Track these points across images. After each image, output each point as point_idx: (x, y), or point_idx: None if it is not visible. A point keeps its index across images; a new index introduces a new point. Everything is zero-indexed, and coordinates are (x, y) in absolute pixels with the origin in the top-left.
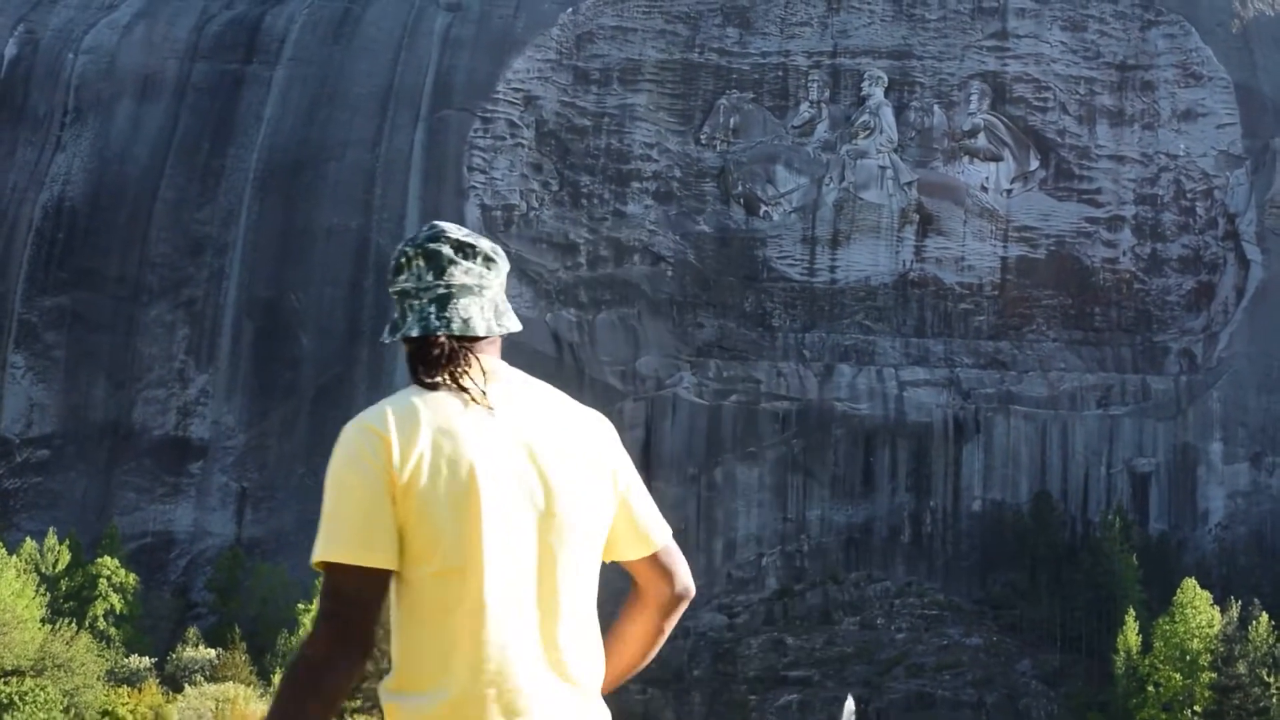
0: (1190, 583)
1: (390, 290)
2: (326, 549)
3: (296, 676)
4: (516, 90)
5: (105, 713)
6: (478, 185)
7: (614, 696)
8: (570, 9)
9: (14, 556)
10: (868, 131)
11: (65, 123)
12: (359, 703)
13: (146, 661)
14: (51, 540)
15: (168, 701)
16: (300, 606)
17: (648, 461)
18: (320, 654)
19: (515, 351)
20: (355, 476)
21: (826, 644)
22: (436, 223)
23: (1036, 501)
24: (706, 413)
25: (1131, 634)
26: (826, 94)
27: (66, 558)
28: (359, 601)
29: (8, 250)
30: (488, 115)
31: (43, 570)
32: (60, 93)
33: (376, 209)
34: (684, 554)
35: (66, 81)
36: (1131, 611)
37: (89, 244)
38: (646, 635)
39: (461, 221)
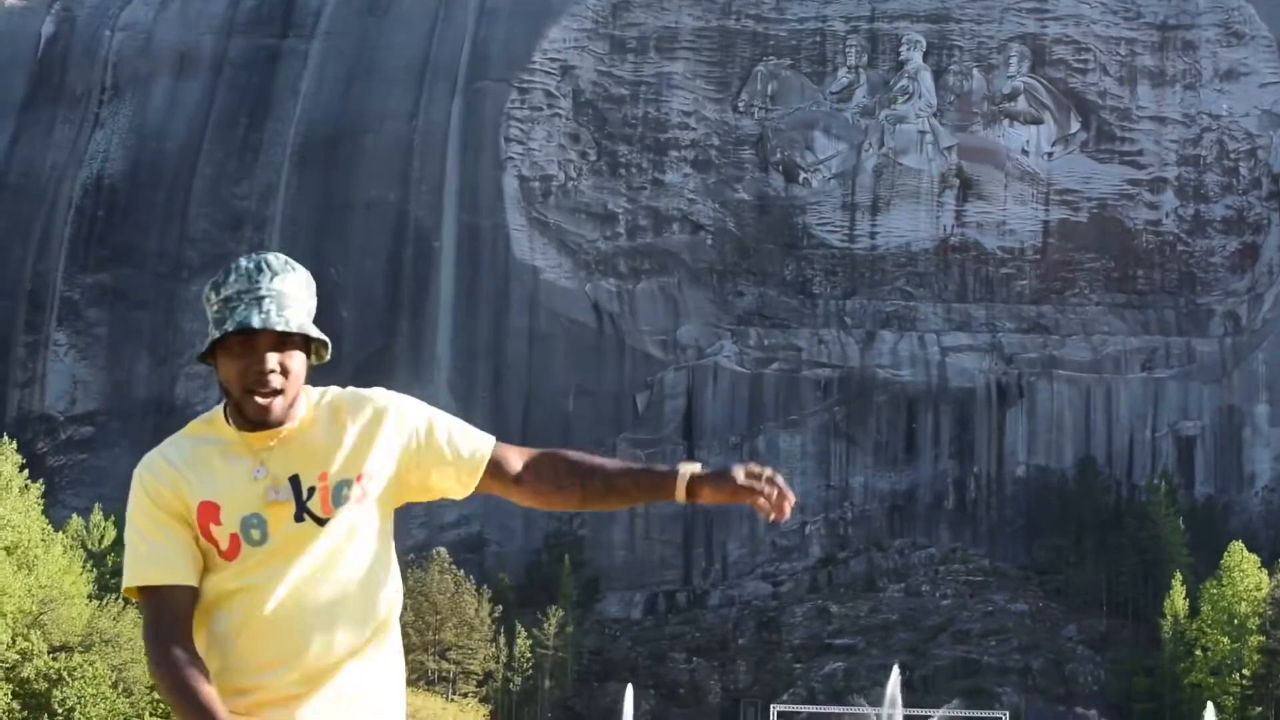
0: (1237, 546)
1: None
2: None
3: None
4: (553, 60)
5: (153, 686)
6: (515, 156)
7: (659, 665)
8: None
9: (60, 533)
10: (906, 96)
11: (103, 100)
12: None
13: None
14: (97, 516)
15: None
16: None
17: (689, 430)
18: None
19: (556, 322)
20: None
21: (871, 611)
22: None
23: (1081, 466)
24: (748, 381)
25: (1178, 598)
26: (864, 59)
27: (112, 534)
28: None
29: (48, 229)
30: (524, 86)
31: (88, 546)
32: (98, 70)
33: (414, 181)
34: (727, 524)
35: (104, 59)
36: (1178, 575)
37: (129, 221)
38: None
39: (499, 193)
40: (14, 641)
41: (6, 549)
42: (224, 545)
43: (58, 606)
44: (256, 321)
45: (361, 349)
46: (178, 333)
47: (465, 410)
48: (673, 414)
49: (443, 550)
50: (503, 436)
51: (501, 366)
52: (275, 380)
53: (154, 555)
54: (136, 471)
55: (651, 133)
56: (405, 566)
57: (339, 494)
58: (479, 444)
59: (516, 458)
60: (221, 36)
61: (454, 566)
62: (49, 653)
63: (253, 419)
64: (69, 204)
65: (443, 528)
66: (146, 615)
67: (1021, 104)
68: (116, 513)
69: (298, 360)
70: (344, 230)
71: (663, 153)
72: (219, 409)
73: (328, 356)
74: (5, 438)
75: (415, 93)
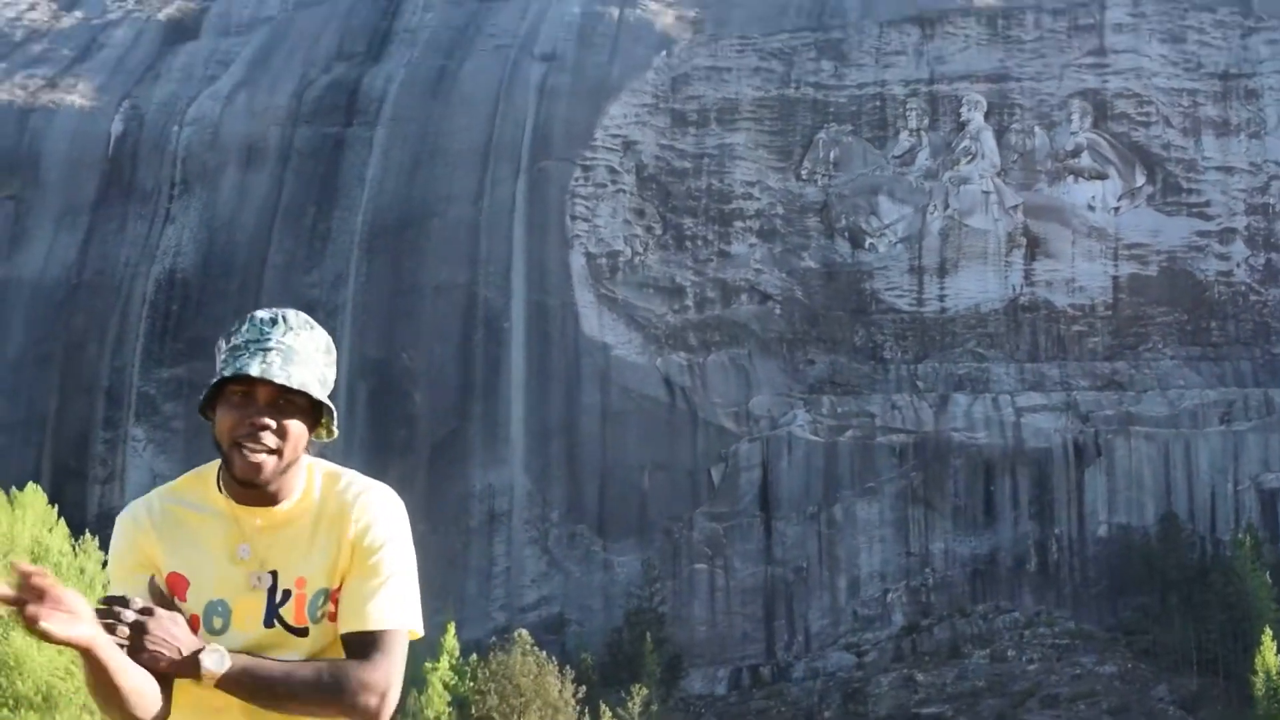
0: None
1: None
2: (418, 621)
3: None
4: (615, 136)
5: None
6: (581, 234)
7: None
8: (664, 52)
9: None
10: (969, 157)
11: (173, 195)
12: None
13: None
14: None
15: None
16: (428, 665)
17: (766, 502)
18: None
19: (628, 398)
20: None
21: (958, 679)
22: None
23: (1163, 523)
24: (822, 450)
25: (1269, 654)
26: (925, 122)
27: None
28: None
29: (123, 325)
30: (587, 163)
31: None
32: (167, 166)
33: (482, 263)
34: (808, 595)
35: (172, 154)
36: (1268, 631)
37: (202, 314)
38: None
39: (567, 271)
40: None
41: None
42: (188, 617)
43: None
44: (255, 370)
45: (436, 432)
46: None
47: (541, 490)
48: (748, 486)
49: (524, 632)
50: (580, 516)
51: (575, 445)
52: (269, 438)
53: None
54: (120, 518)
55: (716, 204)
56: (487, 650)
57: (315, 606)
58: (358, 621)
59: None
60: (287, 127)
61: (536, 648)
62: None
63: (240, 477)
64: (143, 299)
65: (523, 609)
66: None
67: (1085, 160)
68: None
69: (297, 426)
70: (414, 314)
71: (728, 224)
72: (213, 467)
73: (334, 434)
74: (87, 534)
75: (480, 174)
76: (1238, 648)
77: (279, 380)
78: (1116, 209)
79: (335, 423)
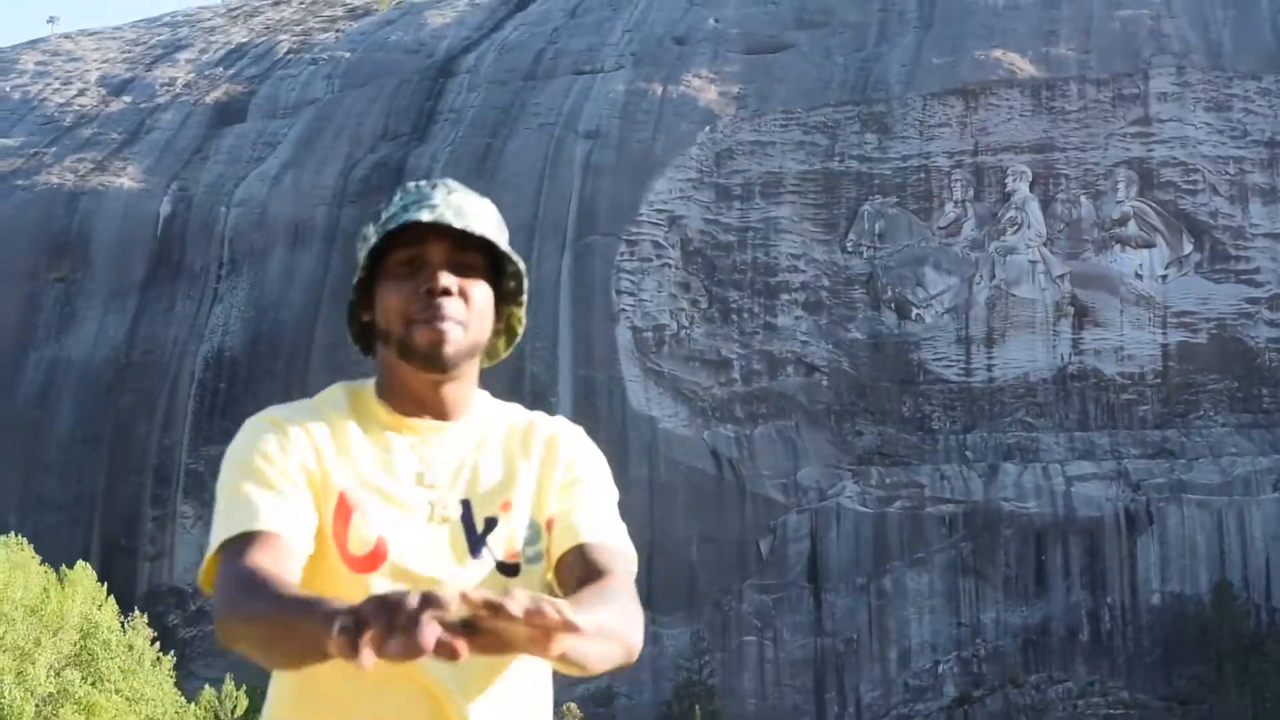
0: None
1: None
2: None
3: None
4: (659, 211)
5: None
6: (627, 308)
7: None
8: (708, 127)
9: (193, 705)
10: (1015, 227)
11: (221, 275)
12: None
13: None
14: (229, 686)
15: None
16: None
17: (814, 573)
18: None
19: (676, 471)
20: None
21: None
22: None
23: (1217, 591)
24: (871, 520)
25: None
26: (971, 193)
27: (244, 703)
28: None
29: (172, 403)
30: (632, 238)
31: (221, 717)
32: (215, 246)
33: (529, 338)
34: (859, 666)
35: (220, 235)
36: None
37: (249, 392)
38: None
39: (613, 345)
40: None
41: None
42: (359, 549)
43: None
44: (426, 216)
45: None
46: None
47: None
48: (797, 558)
49: (573, 706)
50: None
51: (623, 517)
52: (452, 307)
53: (265, 501)
54: (255, 421)
55: (761, 277)
56: None
57: (533, 539)
58: (575, 536)
59: (604, 571)
60: (334, 207)
61: None
62: None
63: (423, 349)
64: (191, 378)
65: (571, 684)
66: (217, 581)
67: (1132, 228)
68: (248, 682)
69: (483, 293)
70: None
71: (773, 296)
72: (369, 382)
73: (521, 327)
74: (136, 612)
75: (525, 251)
76: None
77: (457, 225)
78: (1164, 277)
79: (521, 306)
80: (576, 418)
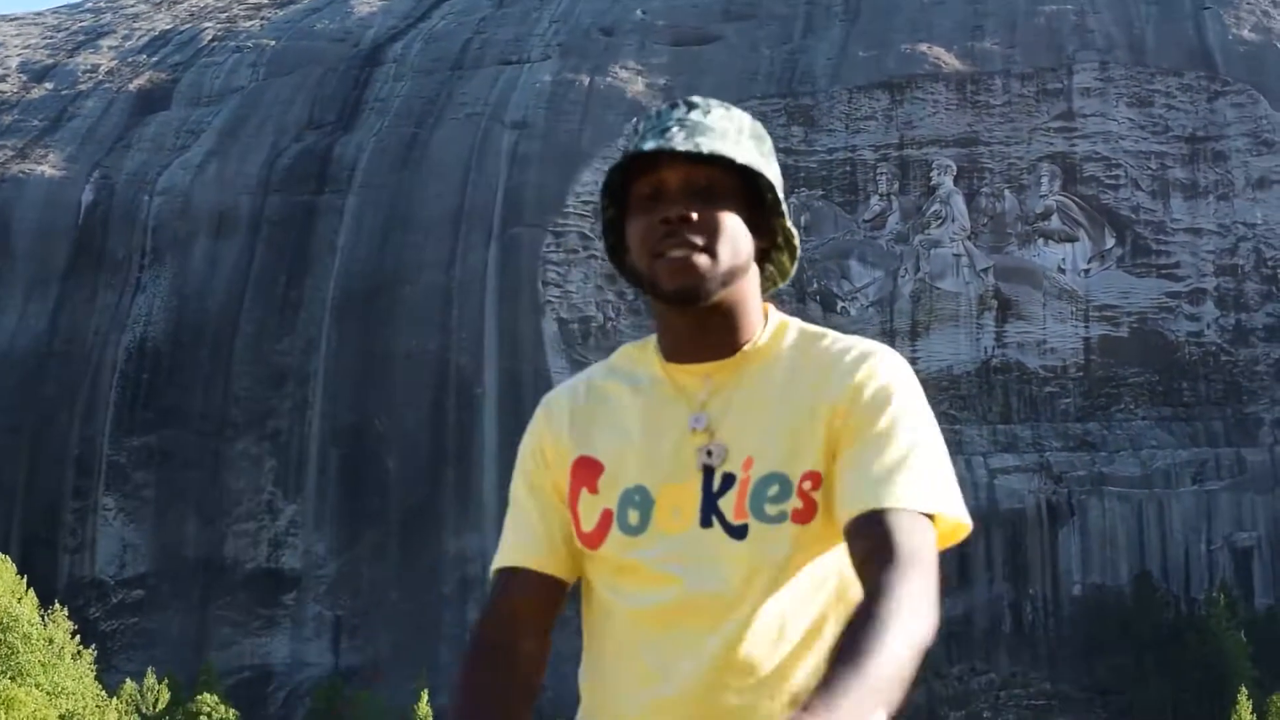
0: None
1: None
2: (958, 506)
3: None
4: (586, 203)
5: None
6: (553, 300)
7: None
8: (634, 119)
9: (114, 699)
10: (939, 220)
11: (144, 264)
12: None
13: None
14: (150, 680)
15: None
16: None
17: None
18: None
19: None
20: None
21: None
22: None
23: (1137, 583)
24: None
25: (1245, 712)
26: (896, 186)
27: (166, 696)
28: None
29: (94, 393)
30: (559, 229)
31: (143, 710)
32: (137, 235)
33: (454, 330)
34: None
35: (143, 223)
36: (1243, 690)
37: (172, 382)
38: None
39: (539, 337)
40: None
41: (62, 717)
42: (586, 525)
43: None
44: (650, 144)
45: (408, 499)
46: (224, 491)
47: None
48: None
49: None
50: None
51: None
52: (692, 235)
53: (514, 530)
54: (539, 407)
55: None
56: None
57: (762, 496)
58: (866, 499)
59: (869, 562)
60: (258, 196)
61: None
62: None
63: (670, 287)
64: (113, 368)
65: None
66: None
67: (1055, 222)
68: (170, 675)
69: (730, 218)
70: (386, 382)
71: None
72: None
73: (795, 239)
74: (57, 605)
75: (451, 242)
76: (1214, 707)
77: (682, 148)
78: (1086, 271)
79: (792, 236)
80: (502, 410)
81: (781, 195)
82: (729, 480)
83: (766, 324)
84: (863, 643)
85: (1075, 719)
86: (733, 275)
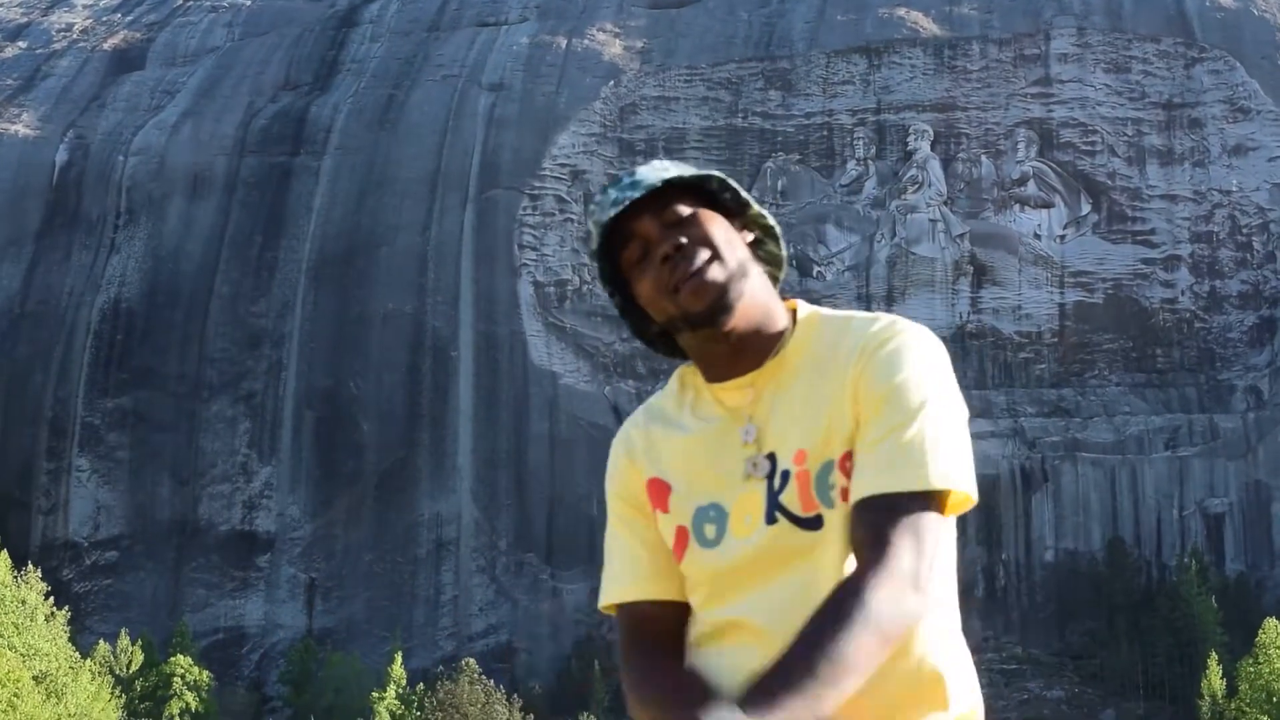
0: (1272, 623)
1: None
2: (967, 480)
3: None
4: (563, 166)
5: None
6: (529, 263)
7: None
8: (612, 82)
9: (88, 660)
10: (916, 186)
11: (118, 225)
12: None
13: None
14: (124, 641)
15: None
16: (374, 694)
17: None
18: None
19: (577, 427)
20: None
21: None
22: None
23: (1110, 548)
24: None
25: (1215, 678)
26: (872, 151)
27: (140, 658)
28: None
29: (68, 354)
30: (535, 192)
31: (116, 672)
32: (112, 195)
33: (430, 292)
34: None
35: (118, 184)
36: (1214, 655)
37: (147, 343)
38: None
39: (515, 300)
40: None
41: (35, 678)
42: (669, 539)
43: None
44: (610, 214)
45: (383, 461)
46: (199, 453)
47: (489, 518)
48: None
49: (471, 661)
50: (529, 544)
51: (524, 473)
52: (692, 252)
53: (613, 563)
54: (614, 442)
55: None
56: (435, 679)
57: (825, 483)
58: (864, 485)
59: (867, 549)
60: (234, 156)
61: (484, 677)
62: None
63: (695, 308)
64: (87, 329)
65: (471, 638)
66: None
67: (1031, 188)
68: (143, 637)
69: (711, 223)
70: (361, 343)
71: None
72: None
73: (770, 221)
74: (30, 566)
75: (428, 204)
76: (1184, 671)
77: (638, 194)
78: (1062, 237)
79: (765, 218)
80: (478, 372)
81: (737, 187)
82: (785, 478)
83: (795, 322)
84: (824, 631)
85: (1046, 682)
86: (742, 273)
